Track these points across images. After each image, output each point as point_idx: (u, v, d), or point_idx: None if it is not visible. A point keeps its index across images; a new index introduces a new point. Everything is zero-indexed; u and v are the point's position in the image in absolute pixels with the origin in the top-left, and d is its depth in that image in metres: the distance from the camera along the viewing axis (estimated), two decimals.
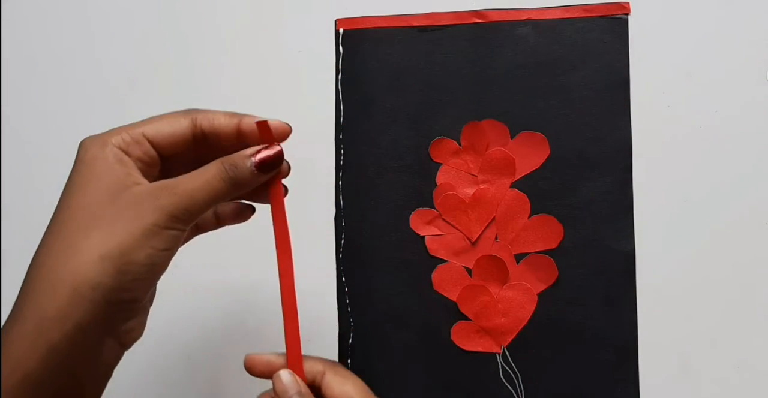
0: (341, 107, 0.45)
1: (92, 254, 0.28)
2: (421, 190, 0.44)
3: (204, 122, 0.31)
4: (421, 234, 0.44)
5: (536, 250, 0.43)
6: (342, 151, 0.45)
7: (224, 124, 0.32)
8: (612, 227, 0.43)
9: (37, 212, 0.48)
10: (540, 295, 0.43)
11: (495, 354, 0.43)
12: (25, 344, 0.28)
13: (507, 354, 0.43)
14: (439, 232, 0.44)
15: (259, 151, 0.31)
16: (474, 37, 0.44)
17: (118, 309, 0.29)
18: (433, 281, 0.44)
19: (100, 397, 0.31)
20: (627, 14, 0.43)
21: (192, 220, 0.30)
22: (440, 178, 0.44)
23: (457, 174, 0.44)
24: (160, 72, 0.47)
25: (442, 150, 0.44)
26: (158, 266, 0.30)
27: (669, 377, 0.43)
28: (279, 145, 0.32)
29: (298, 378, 0.34)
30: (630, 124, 0.43)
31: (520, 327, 0.43)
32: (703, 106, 0.43)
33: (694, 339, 0.43)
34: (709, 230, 0.43)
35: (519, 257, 0.44)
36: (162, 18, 0.47)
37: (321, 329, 0.45)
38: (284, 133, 0.32)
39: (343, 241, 0.44)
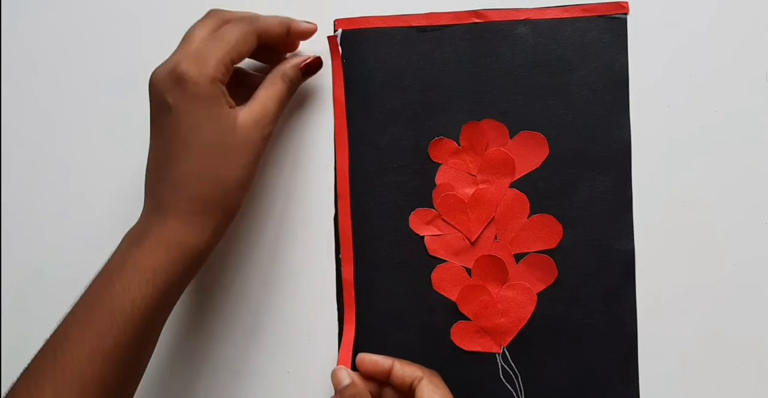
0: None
1: (238, 171, 0.38)
2: (421, 190, 0.44)
3: (264, 34, 0.39)
4: (421, 234, 0.44)
5: (536, 250, 0.43)
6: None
7: (278, 32, 0.40)
8: (612, 227, 0.43)
9: (38, 212, 0.48)
10: (540, 295, 0.43)
11: (495, 354, 0.43)
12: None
13: (507, 354, 0.43)
14: (439, 232, 0.44)
15: (303, 61, 0.42)
16: (473, 37, 0.44)
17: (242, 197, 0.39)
18: (432, 281, 0.44)
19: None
20: (626, 14, 0.43)
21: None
22: (439, 178, 0.44)
23: (456, 174, 0.44)
24: None
25: (442, 150, 0.44)
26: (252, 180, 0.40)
27: (669, 377, 0.43)
28: (315, 56, 0.43)
29: (351, 372, 0.41)
30: (629, 123, 0.43)
31: (520, 327, 0.43)
32: (703, 106, 0.43)
33: (694, 339, 0.43)
34: (709, 230, 0.43)
35: (518, 257, 0.44)
36: (162, 18, 0.47)
37: (321, 329, 0.45)
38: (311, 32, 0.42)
39: None
